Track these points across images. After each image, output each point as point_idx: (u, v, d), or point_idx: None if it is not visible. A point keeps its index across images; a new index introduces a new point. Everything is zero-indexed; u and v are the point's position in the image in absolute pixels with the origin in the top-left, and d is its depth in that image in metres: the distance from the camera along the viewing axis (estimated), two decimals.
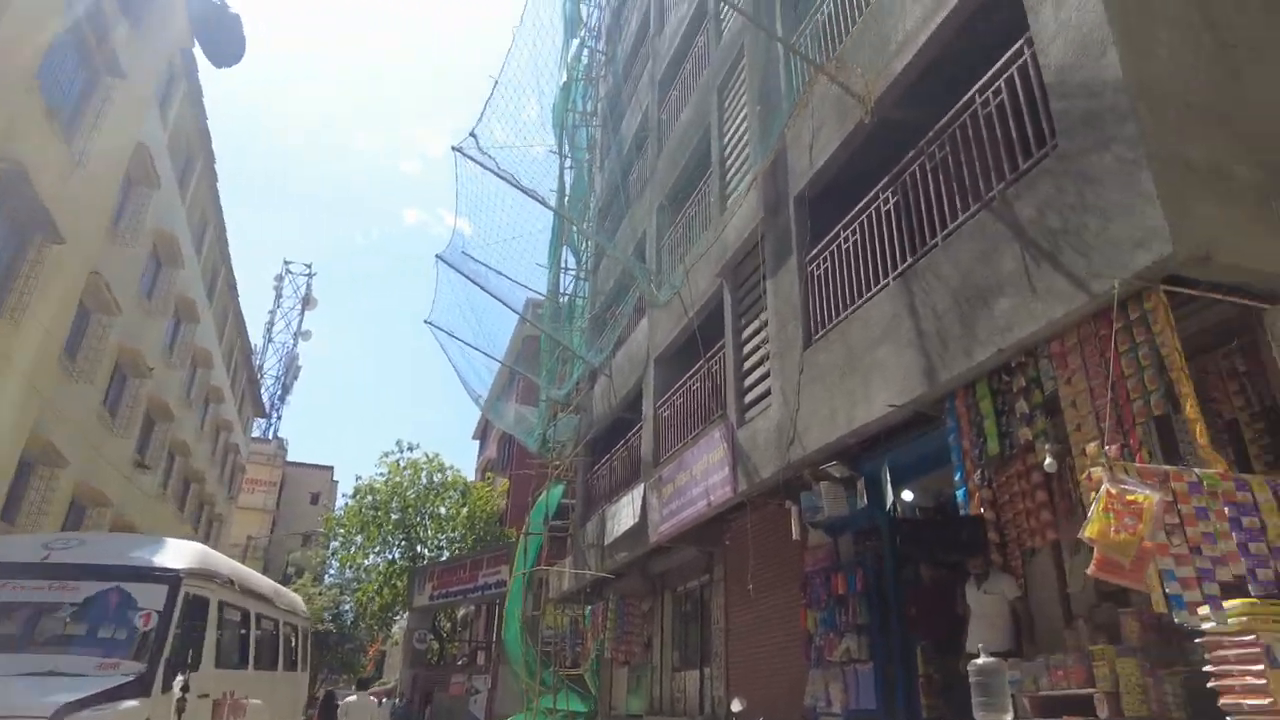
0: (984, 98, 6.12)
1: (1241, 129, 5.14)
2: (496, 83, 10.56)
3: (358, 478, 29.40)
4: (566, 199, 19.64)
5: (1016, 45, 5.82)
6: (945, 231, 6.34)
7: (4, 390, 11.15)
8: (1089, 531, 3.71)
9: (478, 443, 46.15)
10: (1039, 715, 5.10)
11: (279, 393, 58.31)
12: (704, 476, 9.95)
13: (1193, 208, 4.53)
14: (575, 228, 17.84)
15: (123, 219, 15.95)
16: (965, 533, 9.15)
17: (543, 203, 12.10)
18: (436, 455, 29.81)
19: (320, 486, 60.11)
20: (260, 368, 56.84)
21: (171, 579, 6.32)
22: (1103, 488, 3.73)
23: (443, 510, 29.59)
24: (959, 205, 6.30)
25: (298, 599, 10.86)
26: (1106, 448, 4.51)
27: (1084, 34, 5.13)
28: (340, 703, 12.78)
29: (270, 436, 56.25)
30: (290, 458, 58.25)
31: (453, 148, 10.89)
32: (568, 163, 20.05)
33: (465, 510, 29.20)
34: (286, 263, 67.04)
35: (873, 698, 7.38)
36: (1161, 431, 4.93)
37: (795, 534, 8.19)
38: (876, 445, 7.38)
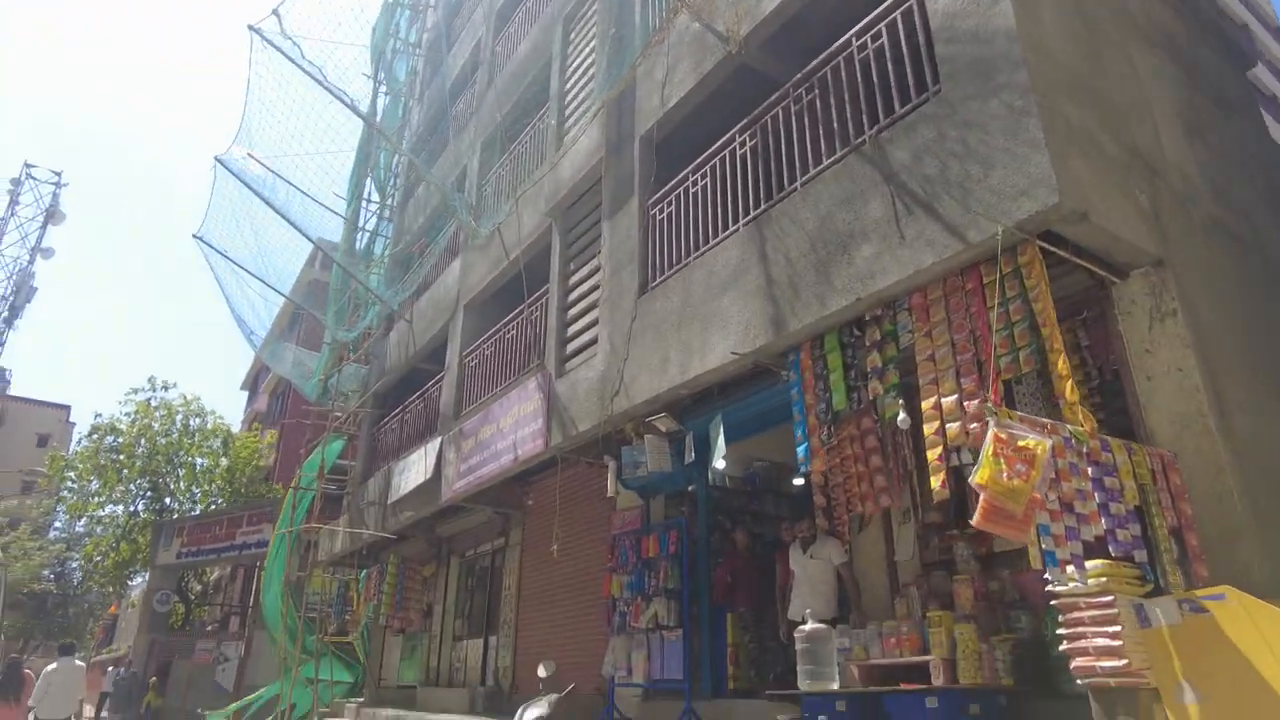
0: (861, 41, 5.80)
1: (1104, 106, 5.15)
2: None
3: (97, 415, 25.12)
4: (379, 119, 17.93)
5: None
6: (806, 176, 5.98)
7: None
8: (979, 477, 3.39)
9: (246, 394, 42.02)
10: (866, 683, 4.85)
11: (6, 315, 49.79)
12: (513, 429, 9.16)
13: (1072, 164, 4.39)
14: (385, 151, 16.24)
15: None
16: (772, 503, 9.12)
17: (352, 108, 10.69)
18: (196, 398, 26.55)
19: (51, 427, 52.39)
20: None
21: None
22: (990, 432, 3.42)
23: (199, 461, 26.37)
24: (824, 149, 5.96)
25: None
26: (967, 403, 4.29)
27: None
28: (27, 671, 10.34)
29: None
30: (14, 392, 50.27)
31: (250, 26, 9.28)
32: (382, 89, 18.37)
33: (225, 462, 26.22)
34: (28, 165, 56.90)
35: (679, 666, 6.98)
36: (1006, 395, 4.83)
37: (611, 490, 7.63)
38: (708, 401, 6.96)
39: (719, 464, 6.63)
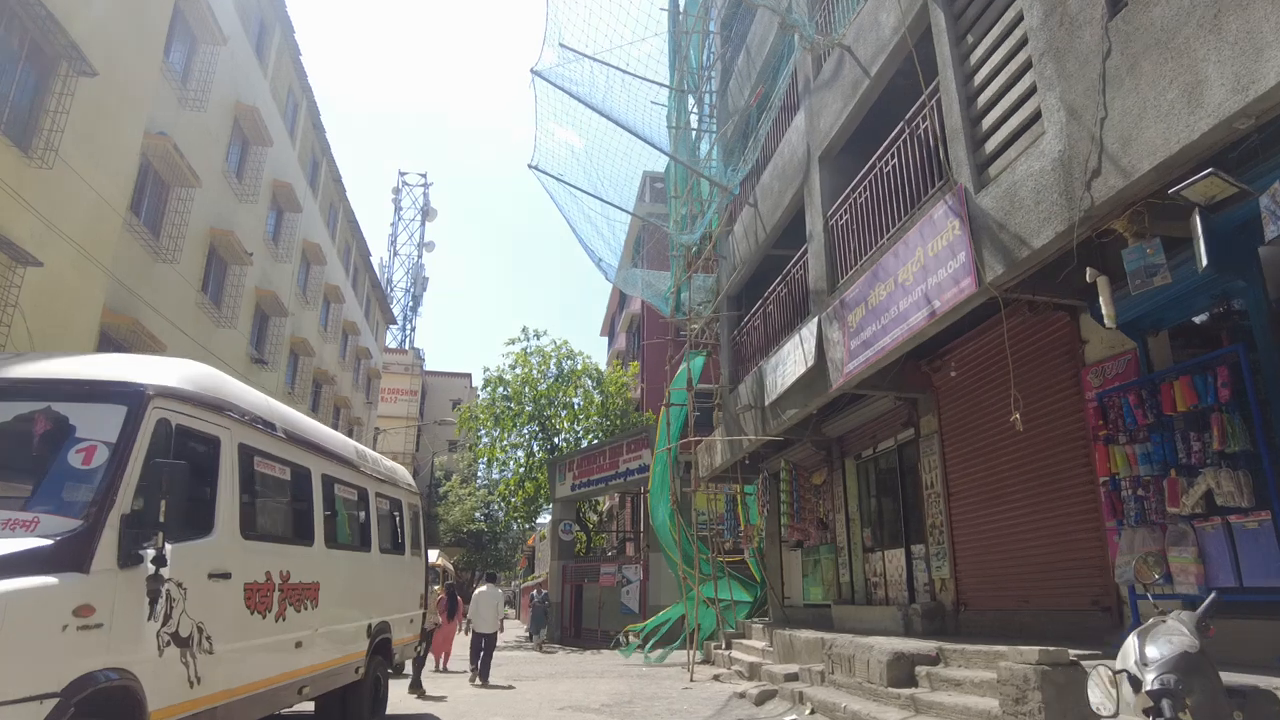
0: None
1: None
2: None
3: (486, 369, 27.66)
4: (681, 14, 16.46)
5: None
6: None
7: (53, 247, 9.46)
8: None
9: (606, 339, 44.38)
10: None
11: (410, 304, 58.30)
12: (920, 279, 7.01)
13: None
14: (694, 45, 14.61)
15: (190, 79, 14.05)
16: None
17: None
18: (565, 342, 27.85)
19: (460, 393, 60.38)
20: (389, 281, 56.83)
21: (132, 397, 3.97)
22: None
23: (576, 401, 27.81)
24: None
25: (401, 469, 8.80)
26: None
27: None
28: (459, 597, 10.93)
29: (406, 347, 56.54)
30: (427, 368, 58.69)
31: None
32: None
33: (599, 398, 27.33)
34: (402, 174, 65.62)
35: (1268, 568, 4.46)
36: None
37: (1107, 318, 5.15)
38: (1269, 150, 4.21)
39: None
